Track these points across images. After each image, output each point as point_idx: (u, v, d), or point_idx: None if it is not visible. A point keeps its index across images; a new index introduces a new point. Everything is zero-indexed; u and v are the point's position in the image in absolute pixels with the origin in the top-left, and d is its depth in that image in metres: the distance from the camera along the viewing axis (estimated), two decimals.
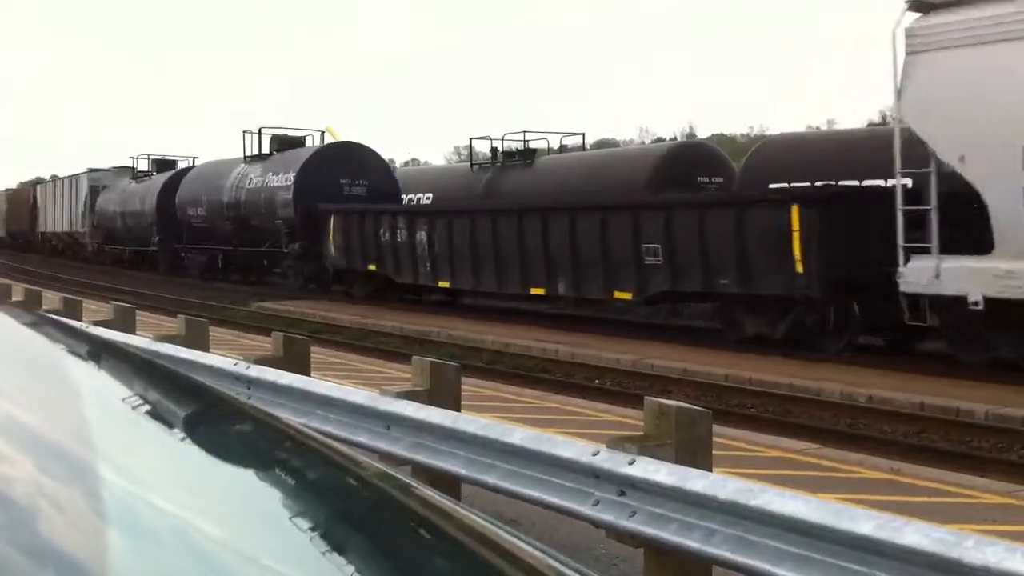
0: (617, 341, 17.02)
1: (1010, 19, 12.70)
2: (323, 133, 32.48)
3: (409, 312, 22.21)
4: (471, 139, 30.70)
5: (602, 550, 5.67)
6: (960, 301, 13.06)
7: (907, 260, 13.63)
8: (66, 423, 1.16)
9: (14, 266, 44.21)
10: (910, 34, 13.66)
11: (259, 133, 32.25)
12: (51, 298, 18.44)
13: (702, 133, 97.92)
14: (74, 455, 1.08)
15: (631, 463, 4.52)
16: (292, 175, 28.39)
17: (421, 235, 23.02)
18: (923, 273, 13.39)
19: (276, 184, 29.07)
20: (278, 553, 0.99)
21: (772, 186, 17.08)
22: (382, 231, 24.28)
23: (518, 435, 5.18)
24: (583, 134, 30.84)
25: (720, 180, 22.91)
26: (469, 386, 9.08)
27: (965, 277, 13.00)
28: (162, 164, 41.44)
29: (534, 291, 20.33)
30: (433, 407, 5.88)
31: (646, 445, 4.75)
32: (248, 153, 32.13)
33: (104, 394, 1.43)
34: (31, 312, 1.86)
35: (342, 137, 32.62)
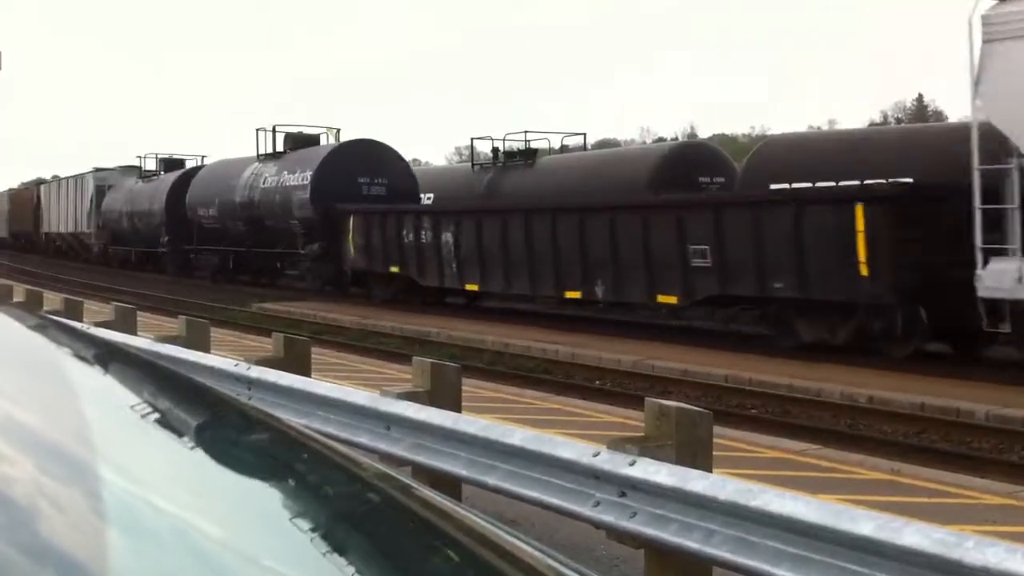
0: (617, 342, 17.02)
1: None
2: (338, 131, 31.34)
3: (409, 313, 22.20)
4: (472, 139, 30.84)
5: (603, 551, 5.67)
6: None
7: (985, 262, 12.80)
8: (66, 424, 1.17)
9: (17, 267, 43.78)
10: (987, 21, 12.89)
11: (273, 131, 31.26)
12: (52, 299, 18.45)
13: (703, 133, 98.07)
14: (74, 456, 1.08)
15: (631, 464, 4.52)
16: (309, 174, 27.47)
17: (447, 236, 22.20)
18: (1004, 276, 12.55)
19: (292, 183, 28.13)
20: (278, 553, 0.99)
21: (774, 187, 17.06)
22: (405, 232, 23.49)
23: (518, 436, 5.18)
24: (584, 134, 30.89)
25: (721, 180, 22.92)
26: (469, 387, 9.08)
27: None
28: (170, 163, 40.60)
29: (569, 295, 19.53)
30: (434, 408, 5.88)
31: (646, 446, 4.76)
32: (261, 152, 31.21)
33: (104, 395, 1.43)
34: (32, 313, 1.86)
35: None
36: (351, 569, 1.01)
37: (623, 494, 4.55)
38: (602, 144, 62.13)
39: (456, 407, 6.47)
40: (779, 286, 15.41)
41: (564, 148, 30.44)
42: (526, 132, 28.33)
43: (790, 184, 16.89)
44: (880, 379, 12.89)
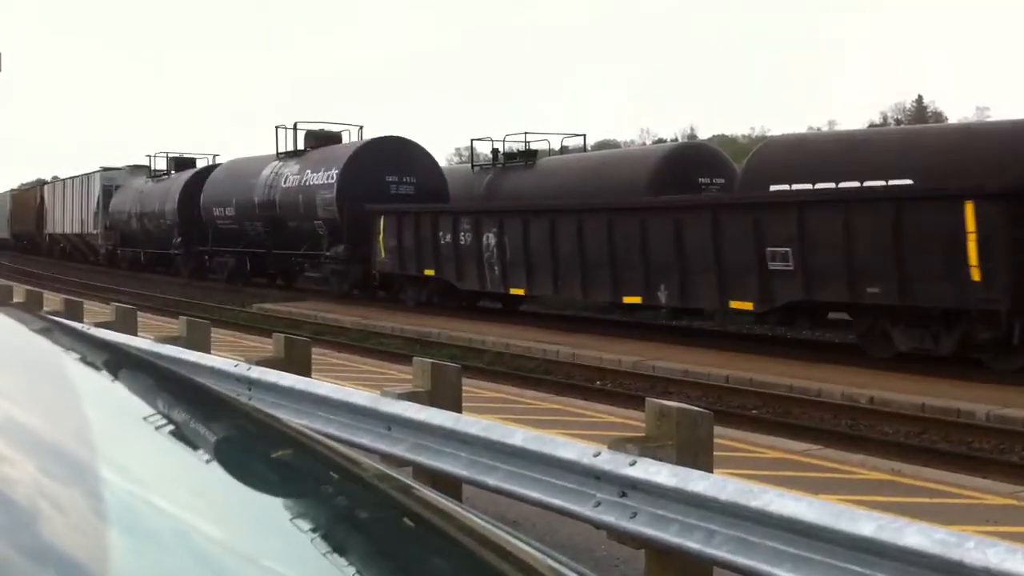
0: (618, 342, 17.02)
1: None
2: (361, 128, 29.72)
3: (409, 313, 22.20)
4: (472, 140, 30.88)
5: (603, 551, 5.67)
6: None
7: None
8: (67, 424, 1.16)
9: (19, 269, 43.15)
10: None
11: (294, 128, 29.64)
12: (52, 299, 18.45)
13: (703, 134, 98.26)
14: (75, 456, 1.08)
15: (632, 464, 4.52)
16: (335, 172, 26.01)
17: (489, 237, 20.89)
18: None
19: (316, 182, 26.64)
20: (278, 553, 0.99)
21: (774, 188, 17.05)
22: (442, 233, 22.15)
23: (519, 436, 5.18)
24: (584, 135, 30.91)
25: (721, 181, 22.91)
26: (470, 387, 9.08)
27: None
28: (181, 162, 39.14)
29: (628, 300, 18.21)
30: (434, 408, 5.88)
31: (647, 446, 4.75)
32: (281, 149, 29.65)
33: (105, 395, 1.43)
34: (32, 313, 1.86)
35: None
36: (351, 569, 1.01)
37: (624, 494, 4.55)
38: (602, 145, 62.22)
39: (457, 407, 6.47)
40: (874, 291, 14.13)
41: (564, 149, 30.46)
42: (526, 133, 28.35)
43: (790, 185, 16.88)
44: (881, 379, 12.89)
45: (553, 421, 9.34)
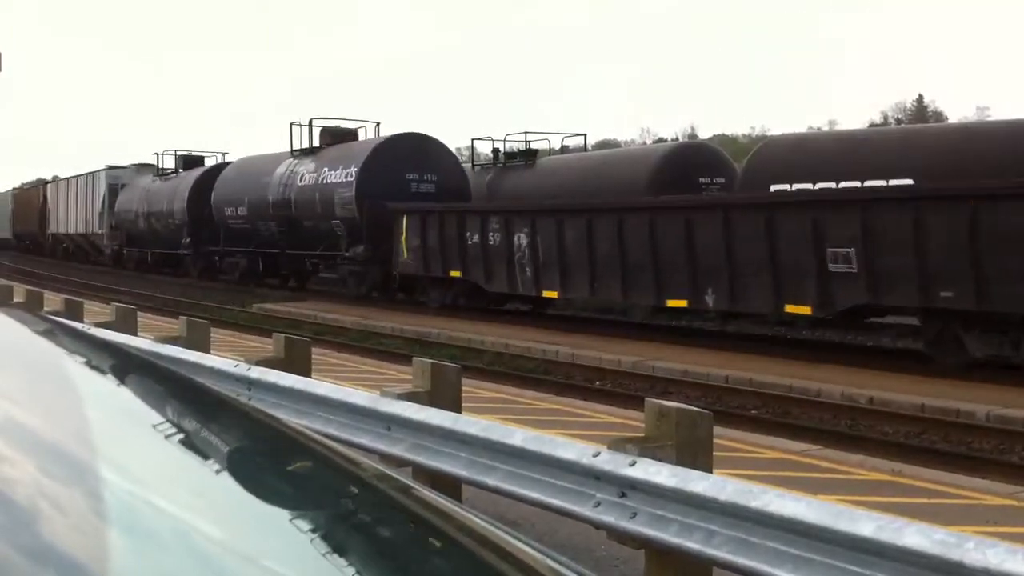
0: (617, 342, 17.01)
1: None
2: (378, 125, 28.68)
3: (409, 313, 22.19)
4: (472, 140, 30.76)
5: (603, 551, 5.67)
6: None
7: None
8: (67, 424, 1.17)
9: (21, 269, 42.60)
10: None
11: (310, 125, 28.66)
12: (52, 299, 18.45)
13: (703, 133, 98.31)
14: (75, 456, 1.08)
15: (632, 464, 4.52)
16: (353, 170, 25.03)
17: (520, 238, 19.95)
18: None
19: (334, 181, 25.66)
20: (278, 553, 0.99)
21: (774, 187, 17.04)
22: (469, 233, 21.24)
23: (519, 436, 5.18)
24: (584, 135, 30.92)
25: (722, 181, 22.93)
26: (470, 387, 9.08)
27: None
28: (189, 161, 38.11)
29: (672, 303, 17.31)
30: (434, 408, 5.88)
31: (647, 446, 4.75)
32: (295, 147, 28.68)
33: (105, 395, 1.43)
34: (32, 313, 1.86)
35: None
36: (351, 569, 1.01)
37: (623, 495, 4.55)
38: (602, 145, 62.25)
39: (456, 407, 6.47)
40: (947, 295, 13.24)
41: (564, 149, 30.47)
42: (526, 133, 28.37)
43: (790, 185, 16.87)
44: (880, 380, 12.89)
45: (553, 421, 9.34)
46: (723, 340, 17.15)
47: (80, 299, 18.42)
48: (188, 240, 34.29)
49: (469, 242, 21.32)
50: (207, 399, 1.55)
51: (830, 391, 12.49)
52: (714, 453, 5.04)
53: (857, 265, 14.23)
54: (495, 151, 28.47)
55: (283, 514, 1.13)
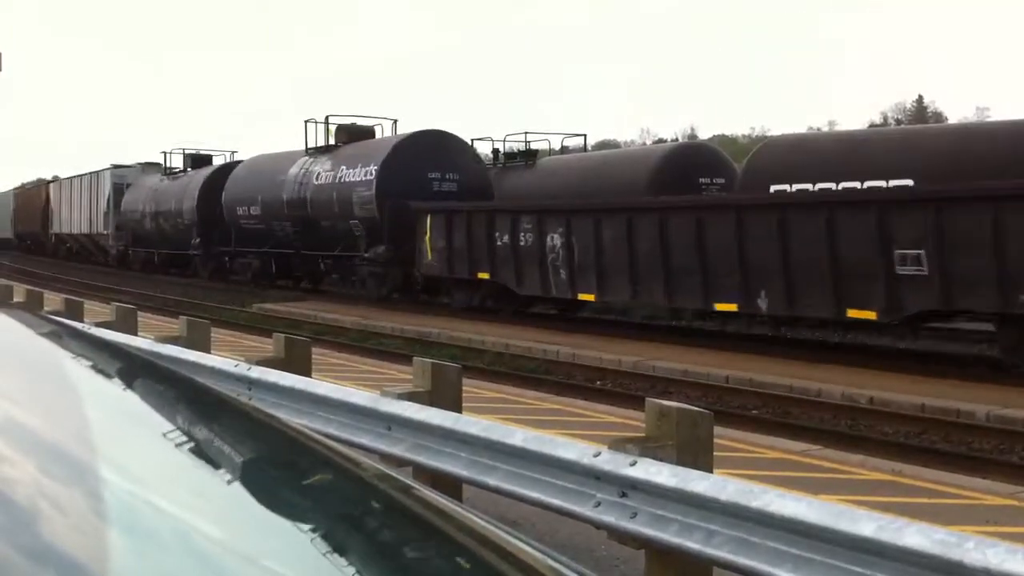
0: (617, 342, 17.01)
1: None
2: (395, 122, 27.88)
3: (410, 313, 22.18)
4: (472, 140, 30.53)
5: (603, 551, 5.67)
6: None
7: None
8: (67, 424, 1.16)
9: (22, 269, 42.12)
10: None
11: (326, 122, 27.82)
12: (52, 299, 18.46)
13: (703, 134, 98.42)
14: (75, 456, 1.08)
15: (632, 464, 4.52)
16: (374, 169, 24.21)
17: (554, 238, 19.07)
18: None
19: (353, 179, 24.85)
20: (278, 553, 0.99)
21: (774, 188, 17.04)
22: (498, 233, 20.35)
23: (519, 436, 5.18)
24: (584, 135, 30.93)
25: (722, 181, 22.95)
26: (470, 387, 9.08)
27: None
28: (197, 159, 37.22)
29: (721, 307, 16.41)
30: (434, 408, 5.88)
31: (647, 446, 4.75)
32: (311, 144, 27.91)
33: (105, 395, 1.43)
34: (32, 313, 1.86)
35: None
36: (351, 569, 1.01)
37: (624, 494, 4.55)
38: (602, 145, 62.29)
39: (457, 407, 6.47)
40: None
41: (564, 149, 30.49)
42: (526, 133, 28.40)
43: (791, 186, 16.87)
44: (881, 380, 12.89)
45: (553, 421, 9.34)
46: (723, 340, 17.15)
47: (80, 299, 18.42)
48: (198, 240, 33.54)
49: (498, 243, 20.43)
50: (207, 399, 1.55)
51: (830, 391, 12.49)
52: (715, 453, 5.04)
53: (928, 267, 13.43)
54: (495, 151, 28.51)
55: (283, 514, 1.13)
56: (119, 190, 40.64)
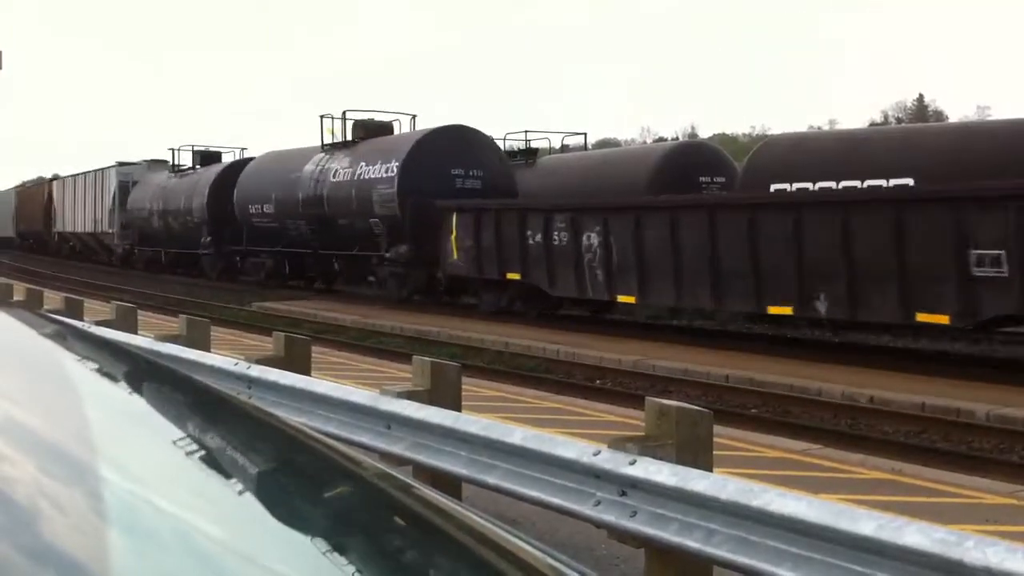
0: (617, 341, 17.01)
1: None
2: (414, 118, 27.07)
3: (410, 312, 22.17)
4: None
5: (603, 550, 5.67)
6: None
7: None
8: (67, 423, 1.16)
9: (25, 268, 41.70)
10: None
11: (343, 118, 26.98)
12: (52, 297, 18.45)
13: (703, 133, 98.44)
14: (75, 455, 1.08)
15: (632, 463, 4.52)
16: (395, 165, 23.37)
17: (591, 237, 18.27)
18: None
19: (373, 176, 23.99)
20: (278, 553, 0.99)
21: (775, 187, 17.03)
22: (530, 232, 19.59)
23: (519, 435, 5.18)
24: (584, 134, 30.95)
25: (722, 180, 22.97)
26: (470, 386, 9.08)
27: None
28: (206, 156, 36.49)
29: (775, 310, 15.49)
30: (434, 407, 5.88)
31: (647, 445, 4.75)
32: (327, 141, 27.14)
33: (105, 394, 1.43)
34: (32, 311, 1.86)
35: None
36: (351, 568, 1.01)
37: (624, 493, 4.55)
38: (602, 144, 62.24)
39: (456, 406, 6.47)
40: None
41: (564, 148, 30.48)
42: (526, 132, 28.38)
43: (791, 185, 16.87)
44: (881, 379, 12.89)
45: (553, 420, 9.34)
46: (723, 339, 17.14)
47: (80, 297, 18.42)
48: (208, 239, 32.76)
49: (530, 242, 19.64)
50: (207, 398, 1.55)
51: (831, 390, 12.49)
52: (714, 452, 5.04)
53: (1009, 269, 12.60)
54: None
55: (283, 513, 1.12)
56: (125, 188, 39.97)
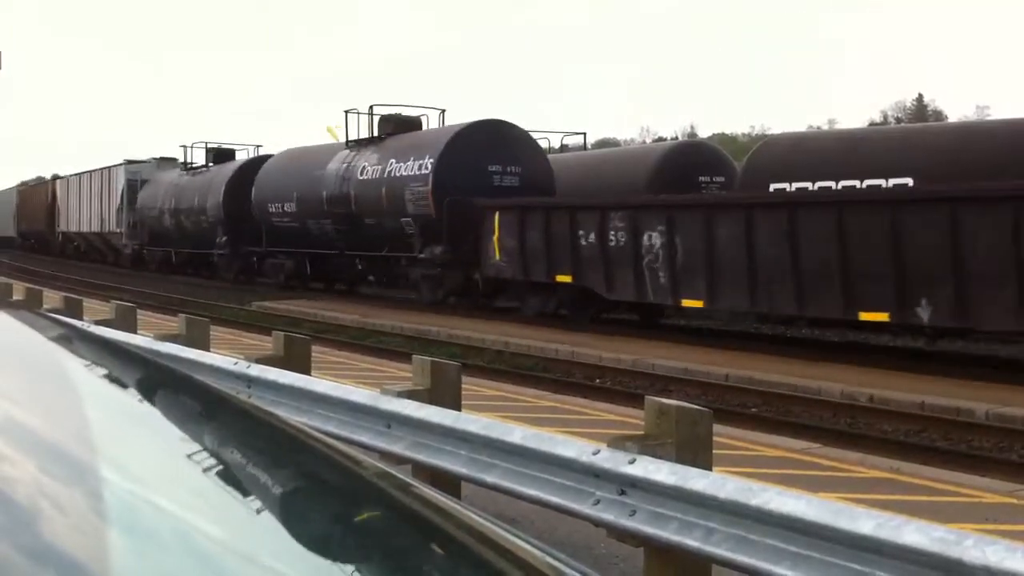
0: (617, 340, 17.01)
1: None
2: (442, 113, 26.02)
3: (409, 311, 22.17)
4: None
5: (602, 549, 5.68)
6: None
7: None
8: (67, 422, 1.17)
9: (21, 267, 41.27)
10: None
11: (370, 112, 25.78)
12: (52, 297, 18.45)
13: (703, 132, 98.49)
14: (75, 454, 1.08)
15: (631, 462, 4.52)
16: (429, 162, 22.23)
17: (652, 237, 17.18)
18: None
19: (405, 173, 22.82)
20: (278, 553, 0.99)
21: (774, 186, 17.03)
22: (582, 232, 18.56)
23: (519, 434, 5.18)
24: (584, 133, 30.95)
25: (722, 179, 22.97)
26: (470, 385, 9.08)
27: None
28: (220, 154, 35.25)
29: (867, 316, 14.29)
30: (434, 406, 5.89)
31: (647, 444, 4.75)
32: (352, 137, 25.93)
33: (105, 393, 1.43)
34: (32, 311, 1.86)
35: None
36: (350, 568, 1.01)
37: (623, 492, 4.55)
38: (602, 143, 62.28)
39: (456, 405, 6.47)
40: None
41: (564, 147, 30.47)
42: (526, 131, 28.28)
43: (790, 184, 16.87)
44: (880, 378, 12.89)
45: (552, 419, 9.34)
46: (723, 339, 17.14)
47: (79, 297, 18.42)
48: (224, 239, 31.67)
49: (583, 242, 18.54)
50: (207, 397, 1.55)
51: (830, 389, 12.49)
52: (714, 451, 5.05)
53: None
54: None
55: (283, 513, 1.13)
56: (133, 186, 38.99)
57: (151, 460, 1.17)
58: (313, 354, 9.21)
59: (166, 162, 39.26)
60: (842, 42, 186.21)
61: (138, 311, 13.66)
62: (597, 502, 4.66)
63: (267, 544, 1.01)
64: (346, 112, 26.17)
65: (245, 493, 1.17)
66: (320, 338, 16.91)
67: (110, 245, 42.52)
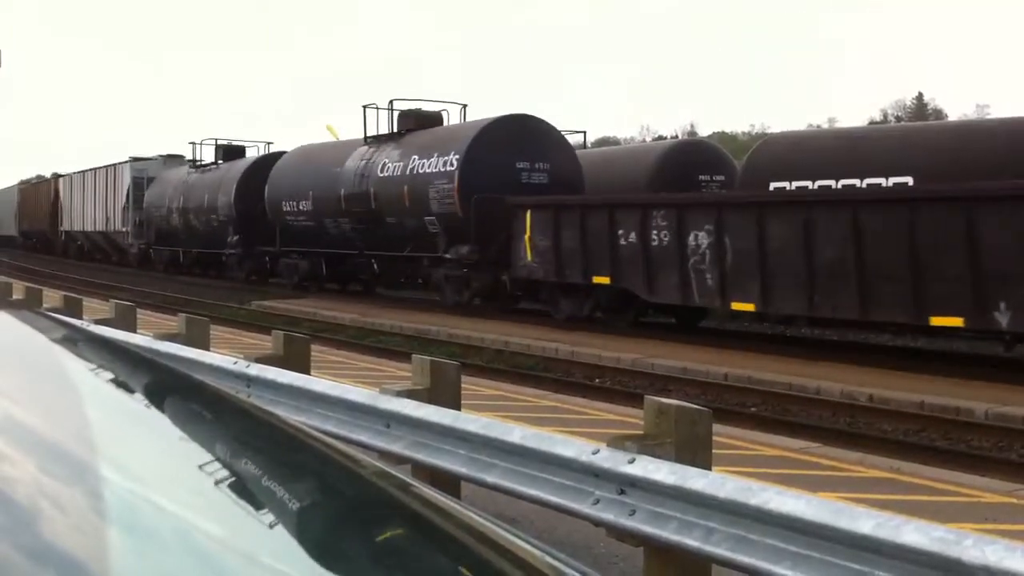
0: (617, 340, 17.00)
1: None
2: (463, 108, 25.13)
3: (409, 311, 22.16)
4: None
5: (602, 549, 5.68)
6: None
7: None
8: (67, 422, 1.17)
9: (25, 267, 40.66)
10: None
11: (390, 107, 24.80)
12: (51, 296, 18.45)
13: (703, 131, 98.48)
14: (75, 454, 1.08)
15: (631, 462, 4.52)
16: (455, 158, 21.30)
17: (698, 236, 16.20)
18: None
19: (428, 171, 21.93)
20: (278, 552, 0.99)
21: (774, 185, 17.03)
22: (621, 231, 17.62)
23: (518, 433, 5.18)
24: (584, 132, 30.87)
25: (722, 178, 22.97)
26: (469, 384, 9.08)
27: None
28: (230, 151, 34.22)
29: (939, 321, 13.32)
30: (433, 405, 5.88)
31: (646, 444, 4.75)
32: (370, 133, 24.94)
33: (105, 393, 1.43)
34: (32, 310, 1.86)
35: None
36: (350, 568, 1.01)
37: (622, 492, 4.55)
38: (602, 142, 62.28)
39: (456, 405, 6.47)
40: None
41: None
42: None
43: (790, 183, 16.87)
44: (880, 377, 12.89)
45: (552, 419, 9.34)
46: (722, 338, 17.14)
47: (79, 296, 18.41)
48: (236, 238, 30.66)
49: (623, 242, 17.61)
50: (206, 396, 1.55)
51: (830, 388, 12.50)
52: (713, 450, 5.04)
53: None
54: None
55: (283, 512, 1.13)
56: (139, 184, 38.03)
57: (151, 459, 1.17)
58: (312, 353, 9.21)
59: (173, 159, 38.37)
60: (842, 42, 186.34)
61: (138, 310, 13.65)
62: (597, 502, 4.66)
63: (267, 543, 1.01)
64: (364, 107, 25.23)
65: (245, 492, 1.17)
66: (319, 337, 16.91)
67: (115, 245, 41.62)
